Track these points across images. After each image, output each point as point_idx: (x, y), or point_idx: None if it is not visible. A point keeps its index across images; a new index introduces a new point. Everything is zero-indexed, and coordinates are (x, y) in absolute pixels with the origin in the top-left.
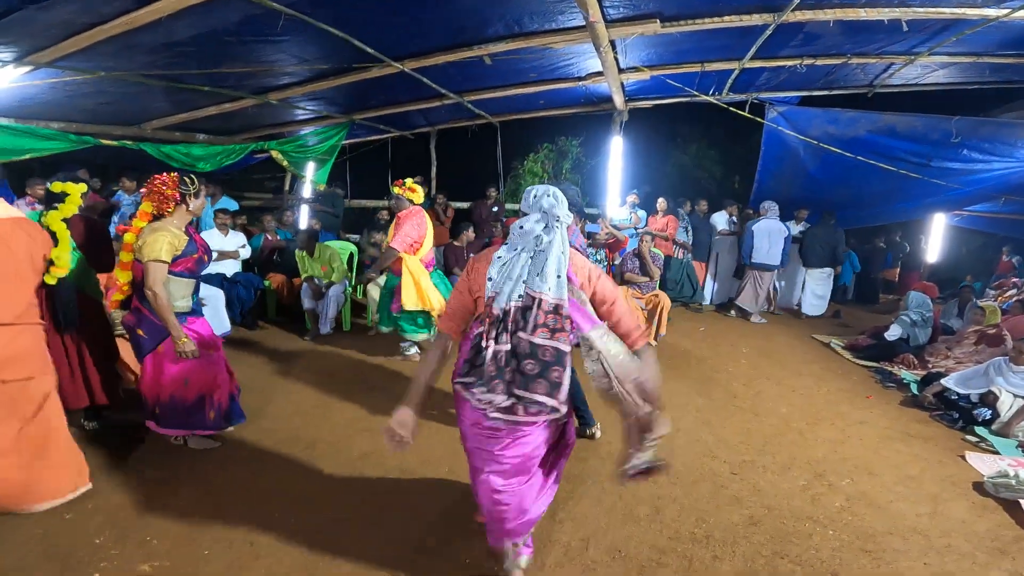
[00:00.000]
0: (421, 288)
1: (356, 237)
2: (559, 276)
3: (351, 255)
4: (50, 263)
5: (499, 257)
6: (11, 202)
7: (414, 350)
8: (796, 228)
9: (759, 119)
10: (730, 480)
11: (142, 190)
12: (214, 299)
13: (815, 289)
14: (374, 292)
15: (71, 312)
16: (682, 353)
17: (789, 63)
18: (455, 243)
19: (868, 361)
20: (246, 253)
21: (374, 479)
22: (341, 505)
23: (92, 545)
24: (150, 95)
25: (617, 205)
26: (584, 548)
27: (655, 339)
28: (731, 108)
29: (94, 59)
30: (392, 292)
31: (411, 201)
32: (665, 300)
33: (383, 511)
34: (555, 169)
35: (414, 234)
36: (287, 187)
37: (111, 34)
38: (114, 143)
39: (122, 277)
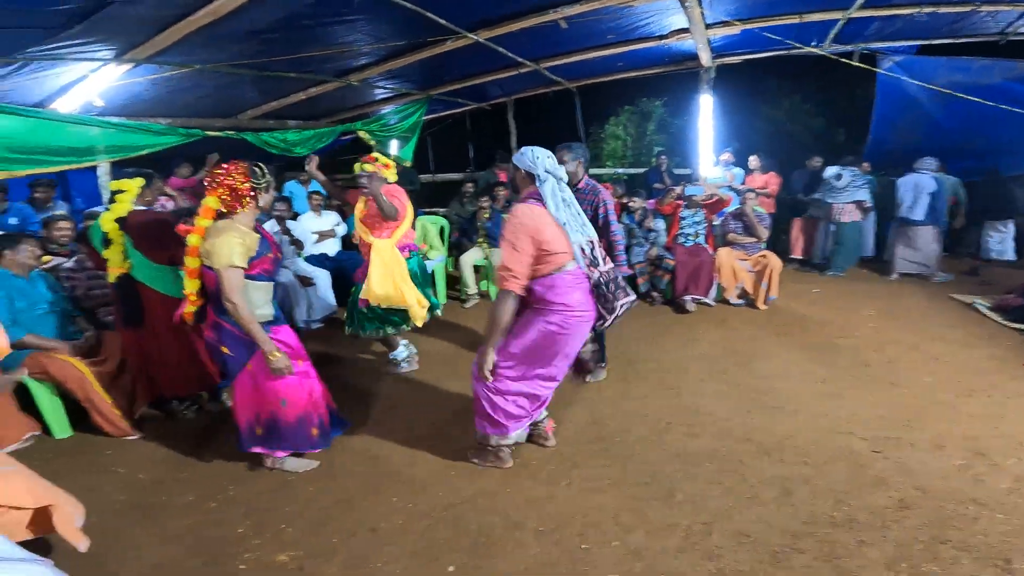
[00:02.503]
0: (396, 280)
1: (443, 210)
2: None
3: (441, 228)
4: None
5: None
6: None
7: (405, 353)
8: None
9: (872, 69)
10: (871, 459)
11: (205, 181)
12: (321, 279)
13: (996, 236)
14: (468, 265)
15: (130, 309)
16: (797, 319)
17: (905, 12)
18: None
19: (1021, 324)
20: (343, 230)
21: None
22: (453, 488)
23: (236, 535)
24: (241, 85)
25: (711, 164)
26: (707, 533)
27: (765, 302)
28: (842, 60)
29: (188, 52)
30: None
31: (386, 179)
32: (775, 261)
33: (496, 495)
34: (639, 131)
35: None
36: None
37: (199, 25)
38: (219, 134)
39: (189, 286)
